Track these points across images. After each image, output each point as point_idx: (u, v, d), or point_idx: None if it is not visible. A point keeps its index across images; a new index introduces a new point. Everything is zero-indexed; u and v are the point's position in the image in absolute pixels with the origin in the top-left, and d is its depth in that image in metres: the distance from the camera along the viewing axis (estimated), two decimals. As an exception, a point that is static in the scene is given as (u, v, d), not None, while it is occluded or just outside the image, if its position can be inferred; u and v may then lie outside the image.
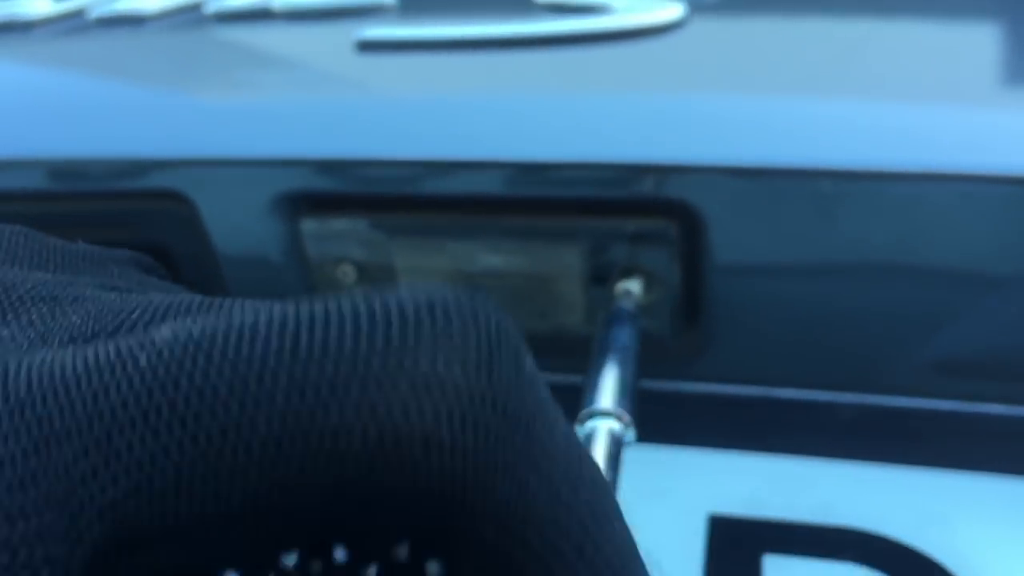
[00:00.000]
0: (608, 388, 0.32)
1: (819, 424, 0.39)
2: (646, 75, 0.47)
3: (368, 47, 0.53)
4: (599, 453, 0.29)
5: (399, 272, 0.41)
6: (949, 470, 0.36)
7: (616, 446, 0.30)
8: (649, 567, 0.14)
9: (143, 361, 0.11)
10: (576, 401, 0.30)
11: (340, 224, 0.40)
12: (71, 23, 0.68)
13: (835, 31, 0.51)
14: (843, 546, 0.33)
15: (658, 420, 0.40)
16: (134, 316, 0.14)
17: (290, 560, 0.12)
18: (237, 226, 0.42)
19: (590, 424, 0.31)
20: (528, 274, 0.39)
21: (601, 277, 0.39)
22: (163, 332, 0.12)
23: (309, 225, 0.40)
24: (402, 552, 0.12)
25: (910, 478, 0.35)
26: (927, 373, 0.39)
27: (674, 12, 0.51)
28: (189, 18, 0.66)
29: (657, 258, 0.37)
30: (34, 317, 0.15)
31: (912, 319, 0.37)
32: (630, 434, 0.31)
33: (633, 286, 0.38)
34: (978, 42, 0.48)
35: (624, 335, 0.36)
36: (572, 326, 0.41)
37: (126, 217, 0.43)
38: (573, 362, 0.43)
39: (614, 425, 0.31)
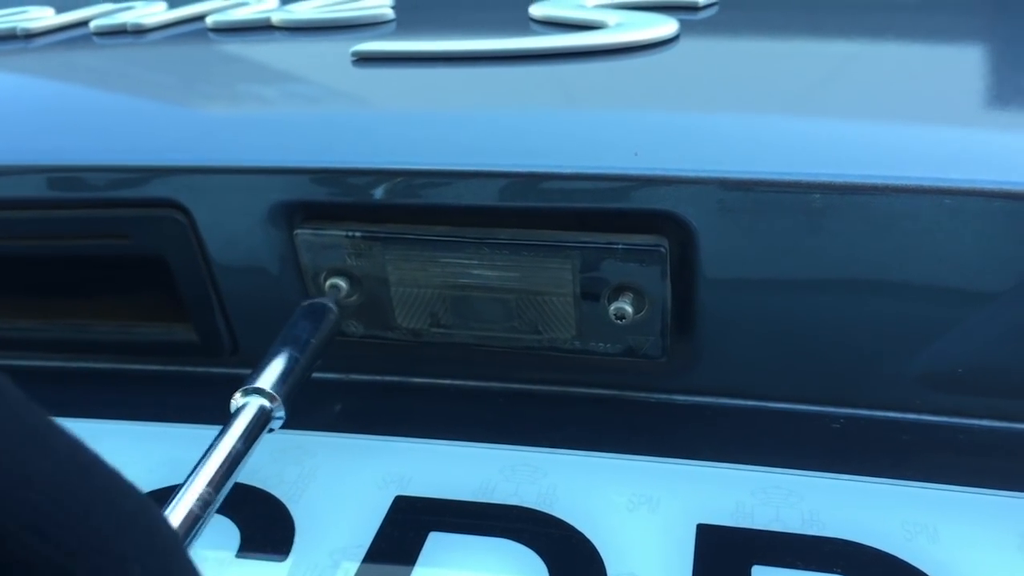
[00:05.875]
0: (272, 372, 0.36)
1: (807, 436, 0.39)
2: (639, 90, 0.47)
3: (365, 60, 0.53)
4: (244, 423, 0.34)
5: (392, 284, 0.41)
6: (935, 483, 0.36)
7: (262, 420, 0.35)
8: None
9: None
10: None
11: (335, 234, 0.40)
12: (73, 34, 0.68)
13: (826, 49, 0.52)
14: (831, 557, 0.33)
15: (649, 431, 0.41)
16: None
17: None
18: (232, 235, 0.42)
19: (244, 399, 0.35)
20: (520, 289, 0.40)
21: (593, 293, 0.39)
22: None
23: (304, 235, 0.41)
24: None
25: (896, 491, 0.36)
26: (914, 387, 0.39)
27: (668, 29, 0.52)
28: (190, 30, 0.66)
29: (649, 274, 0.37)
30: None
31: (900, 333, 0.37)
32: (279, 412, 0.36)
33: (625, 303, 0.38)
34: (965, 62, 0.48)
35: (308, 328, 0.39)
36: (564, 341, 0.41)
37: (123, 225, 0.43)
38: (565, 376, 0.43)
39: (265, 403, 0.36)
